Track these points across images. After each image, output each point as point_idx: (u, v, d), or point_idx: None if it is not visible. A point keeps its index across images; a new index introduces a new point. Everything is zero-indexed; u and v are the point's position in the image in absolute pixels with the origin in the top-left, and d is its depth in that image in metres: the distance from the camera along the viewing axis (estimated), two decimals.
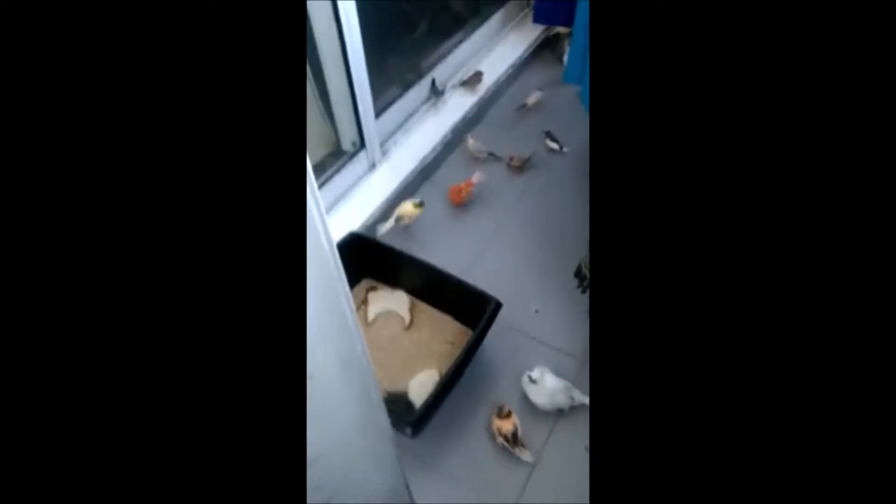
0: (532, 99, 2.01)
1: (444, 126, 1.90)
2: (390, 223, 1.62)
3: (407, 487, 0.91)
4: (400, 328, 1.46)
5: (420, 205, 1.64)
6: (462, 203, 1.72)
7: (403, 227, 1.64)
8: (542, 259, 1.60)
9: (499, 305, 1.30)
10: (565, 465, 1.21)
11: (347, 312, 0.62)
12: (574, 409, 1.27)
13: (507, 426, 1.23)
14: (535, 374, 1.28)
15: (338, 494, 0.76)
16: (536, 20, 2.01)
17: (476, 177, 1.72)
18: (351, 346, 0.65)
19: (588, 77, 1.62)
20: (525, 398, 1.29)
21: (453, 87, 2.02)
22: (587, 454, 1.22)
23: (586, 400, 1.26)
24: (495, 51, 2.20)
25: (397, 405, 1.30)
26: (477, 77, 2.02)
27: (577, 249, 1.45)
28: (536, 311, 1.47)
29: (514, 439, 1.21)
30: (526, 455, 1.21)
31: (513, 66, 2.14)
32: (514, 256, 1.62)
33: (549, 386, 1.27)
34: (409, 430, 1.19)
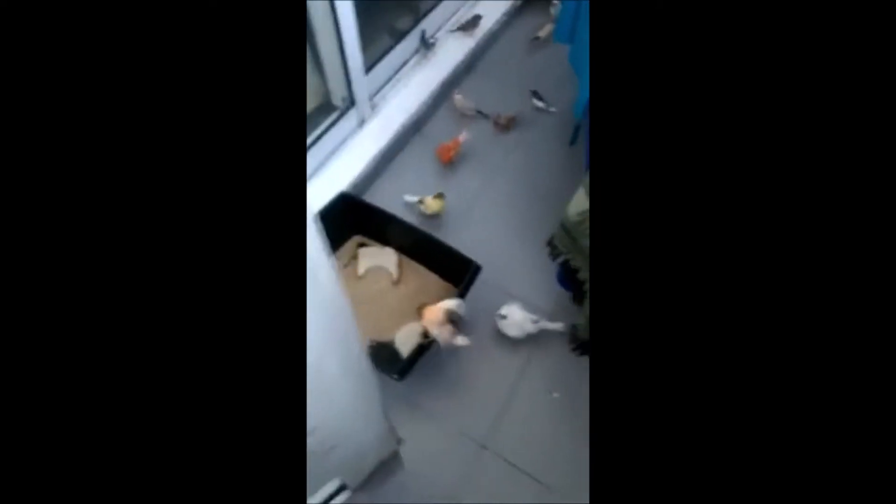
0: (544, 31, 2.05)
1: (434, 80, 1.92)
2: (413, 200, 1.69)
3: (393, 432, 1.07)
4: (388, 283, 1.58)
5: (440, 196, 1.67)
6: (451, 161, 1.79)
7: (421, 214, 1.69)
8: (524, 219, 1.70)
9: (478, 269, 1.43)
10: (535, 399, 1.39)
11: (330, 275, 0.63)
12: (544, 333, 1.45)
13: (435, 315, 1.31)
14: (503, 310, 1.45)
15: (330, 438, 0.88)
16: None
17: (463, 135, 1.78)
18: (334, 306, 0.68)
19: (577, 37, 1.64)
20: (499, 335, 1.46)
21: (450, 30, 2.02)
22: (555, 398, 1.40)
23: (552, 325, 1.46)
24: None
25: (385, 353, 1.45)
26: (474, 21, 2.02)
27: (557, 211, 1.55)
28: (513, 270, 1.60)
29: (451, 322, 1.32)
30: (462, 339, 1.35)
31: (506, 13, 2.12)
32: (498, 215, 1.72)
33: (517, 318, 1.44)
34: (395, 376, 1.35)
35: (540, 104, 1.91)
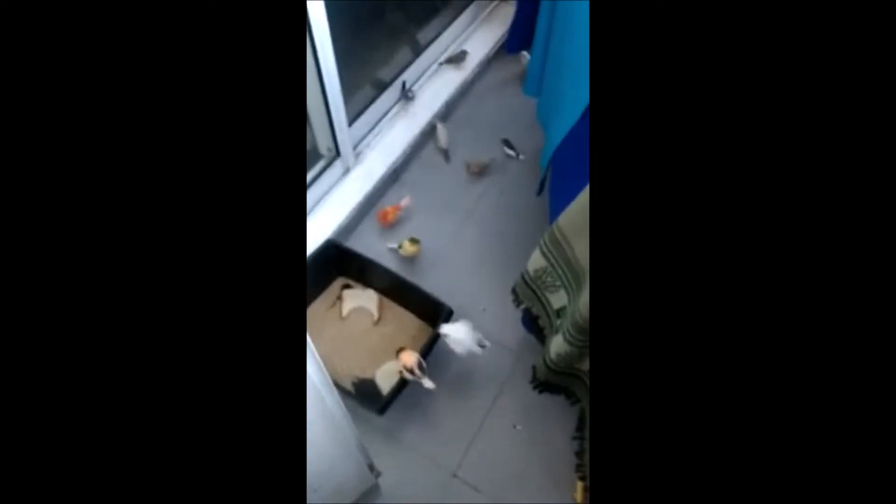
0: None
1: (414, 128, 2.08)
2: (393, 245, 1.85)
3: (371, 468, 1.22)
4: (370, 323, 1.73)
5: (415, 241, 1.82)
6: (389, 224, 1.90)
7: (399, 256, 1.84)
8: (496, 262, 1.86)
9: (450, 312, 1.59)
10: (501, 431, 1.55)
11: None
12: (512, 375, 1.59)
13: (409, 360, 1.48)
14: (444, 329, 1.54)
15: (312, 482, 0.95)
16: (509, 50, 2.09)
17: (405, 201, 1.90)
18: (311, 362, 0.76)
19: (544, 91, 1.79)
20: (470, 374, 1.62)
21: (440, 63, 2.21)
22: (517, 430, 1.55)
23: (487, 343, 1.57)
24: (475, 35, 2.34)
25: (366, 389, 1.60)
26: (462, 56, 2.21)
27: (525, 256, 1.71)
28: (484, 310, 1.76)
29: (420, 369, 1.48)
30: (428, 383, 1.49)
31: (482, 61, 2.30)
32: (472, 257, 1.88)
33: (459, 335, 1.53)
34: (376, 412, 1.49)
35: (510, 152, 2.07)
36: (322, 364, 0.84)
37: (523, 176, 2.05)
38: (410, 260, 1.84)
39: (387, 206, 1.92)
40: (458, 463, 1.51)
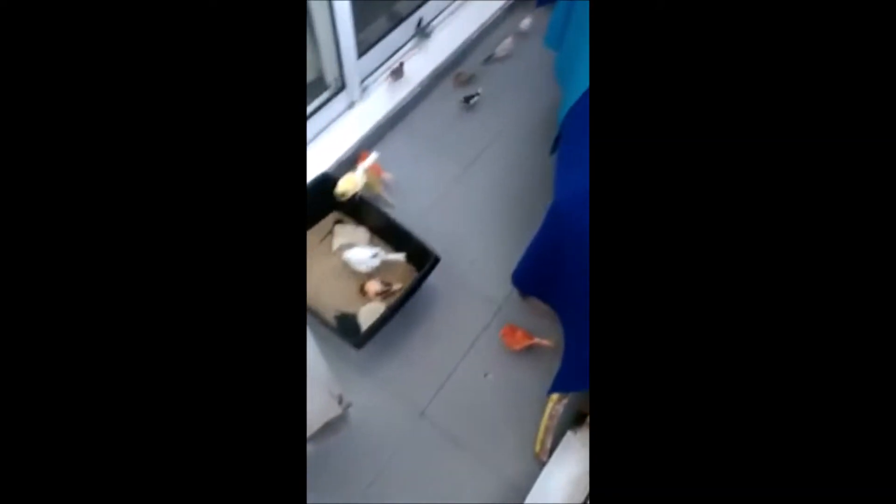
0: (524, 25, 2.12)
1: (426, 68, 2.02)
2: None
3: (340, 400, 1.27)
4: None
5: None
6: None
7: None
8: (492, 214, 1.85)
9: (437, 260, 1.60)
10: (471, 378, 1.61)
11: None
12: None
13: (373, 287, 1.64)
14: (346, 254, 1.66)
15: None
16: (539, 3, 1.99)
17: (372, 157, 1.76)
18: None
19: (564, 45, 1.72)
20: (447, 321, 1.66)
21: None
22: (488, 379, 1.60)
23: (391, 257, 1.68)
24: None
25: (348, 324, 1.64)
26: None
27: (525, 211, 1.71)
28: (472, 262, 1.77)
29: (387, 287, 1.63)
30: (397, 285, 1.64)
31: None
32: (467, 207, 1.87)
33: (360, 256, 1.65)
34: (354, 345, 1.55)
35: None
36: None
37: (535, 131, 2.01)
38: (403, 201, 1.84)
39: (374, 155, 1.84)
40: (427, 402, 1.57)
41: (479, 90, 2.00)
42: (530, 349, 1.60)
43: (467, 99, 1.98)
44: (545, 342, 1.60)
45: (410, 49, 2.05)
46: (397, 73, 1.96)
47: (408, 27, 2.01)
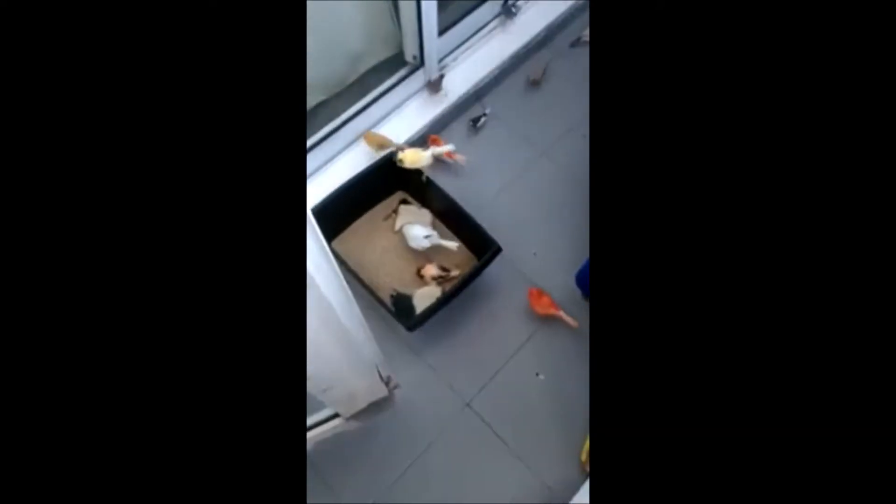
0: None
1: (507, 50, 1.94)
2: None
3: (388, 381, 1.27)
4: None
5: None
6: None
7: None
8: (560, 206, 1.77)
9: (498, 250, 1.55)
10: (522, 376, 1.56)
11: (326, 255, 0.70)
12: (547, 322, 1.61)
13: (430, 271, 1.63)
14: (405, 229, 1.67)
15: (323, 382, 0.99)
16: None
17: (451, 147, 1.76)
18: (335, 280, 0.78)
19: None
20: (505, 313, 1.62)
21: None
22: (540, 379, 1.55)
23: (446, 243, 1.66)
24: None
25: (403, 304, 1.63)
26: None
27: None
28: (535, 254, 1.71)
29: (444, 272, 1.62)
30: (455, 271, 1.63)
31: None
32: (535, 197, 1.80)
33: (416, 232, 1.65)
34: (407, 328, 1.54)
35: None
36: (340, 274, 0.84)
37: None
38: (471, 184, 1.79)
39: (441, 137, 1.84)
40: (473, 394, 1.55)
41: (487, 110, 1.90)
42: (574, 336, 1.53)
43: (474, 122, 1.88)
44: (570, 320, 1.54)
45: (494, 28, 1.97)
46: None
47: (493, 6, 1.94)
